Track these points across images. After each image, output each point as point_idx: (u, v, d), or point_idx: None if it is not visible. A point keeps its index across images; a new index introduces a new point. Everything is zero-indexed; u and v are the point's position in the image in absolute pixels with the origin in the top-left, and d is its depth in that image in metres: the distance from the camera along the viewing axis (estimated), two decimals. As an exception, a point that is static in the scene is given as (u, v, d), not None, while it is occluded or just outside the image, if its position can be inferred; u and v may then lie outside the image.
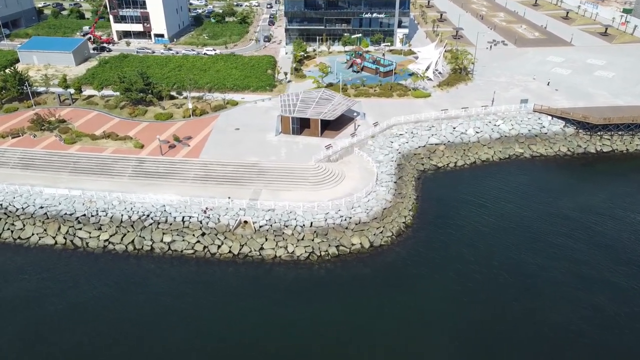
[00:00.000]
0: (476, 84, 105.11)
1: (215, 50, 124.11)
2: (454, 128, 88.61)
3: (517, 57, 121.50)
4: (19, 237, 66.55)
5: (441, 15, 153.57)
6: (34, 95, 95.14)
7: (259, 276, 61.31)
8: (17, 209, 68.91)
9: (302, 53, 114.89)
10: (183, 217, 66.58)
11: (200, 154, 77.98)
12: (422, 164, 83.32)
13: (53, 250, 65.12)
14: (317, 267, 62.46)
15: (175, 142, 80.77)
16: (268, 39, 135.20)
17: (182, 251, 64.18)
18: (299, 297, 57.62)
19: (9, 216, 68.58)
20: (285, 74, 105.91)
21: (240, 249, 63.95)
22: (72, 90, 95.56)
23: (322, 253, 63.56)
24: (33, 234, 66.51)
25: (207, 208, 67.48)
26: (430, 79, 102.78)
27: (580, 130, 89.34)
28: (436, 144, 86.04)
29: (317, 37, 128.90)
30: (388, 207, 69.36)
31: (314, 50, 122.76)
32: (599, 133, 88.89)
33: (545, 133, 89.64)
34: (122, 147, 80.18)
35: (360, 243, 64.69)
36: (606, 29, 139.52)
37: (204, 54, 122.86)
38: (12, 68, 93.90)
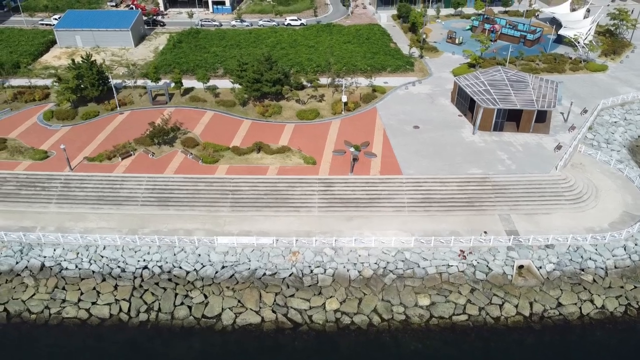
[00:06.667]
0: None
1: (300, 19, 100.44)
2: (667, 109, 72.19)
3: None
4: (204, 316, 45.62)
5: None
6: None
7: (570, 347, 43.98)
8: (188, 273, 47.64)
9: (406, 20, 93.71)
10: (437, 267, 47.59)
11: (401, 169, 57.90)
12: (650, 159, 66.96)
13: (262, 331, 44.80)
14: (644, 326, 45.66)
15: (355, 151, 60.15)
16: (349, 1, 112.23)
17: (450, 317, 45.49)
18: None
19: (177, 284, 47.23)
20: (421, 48, 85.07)
21: (531, 308, 46.06)
22: (170, 83, 71.46)
23: (641, 305, 46.73)
24: (224, 309, 45.79)
25: (463, 251, 48.62)
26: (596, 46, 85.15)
27: None
28: (655, 132, 69.58)
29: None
30: (681, 227, 52.82)
31: (423, 16, 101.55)
32: None
33: None
34: (286, 163, 58.78)
35: (680, 285, 48.19)
36: None
37: (288, 24, 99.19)
38: (86, 58, 68.42)
